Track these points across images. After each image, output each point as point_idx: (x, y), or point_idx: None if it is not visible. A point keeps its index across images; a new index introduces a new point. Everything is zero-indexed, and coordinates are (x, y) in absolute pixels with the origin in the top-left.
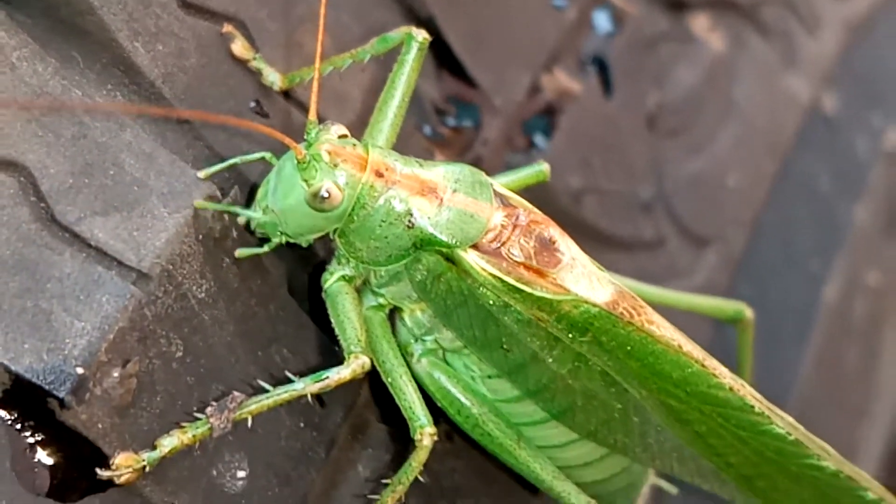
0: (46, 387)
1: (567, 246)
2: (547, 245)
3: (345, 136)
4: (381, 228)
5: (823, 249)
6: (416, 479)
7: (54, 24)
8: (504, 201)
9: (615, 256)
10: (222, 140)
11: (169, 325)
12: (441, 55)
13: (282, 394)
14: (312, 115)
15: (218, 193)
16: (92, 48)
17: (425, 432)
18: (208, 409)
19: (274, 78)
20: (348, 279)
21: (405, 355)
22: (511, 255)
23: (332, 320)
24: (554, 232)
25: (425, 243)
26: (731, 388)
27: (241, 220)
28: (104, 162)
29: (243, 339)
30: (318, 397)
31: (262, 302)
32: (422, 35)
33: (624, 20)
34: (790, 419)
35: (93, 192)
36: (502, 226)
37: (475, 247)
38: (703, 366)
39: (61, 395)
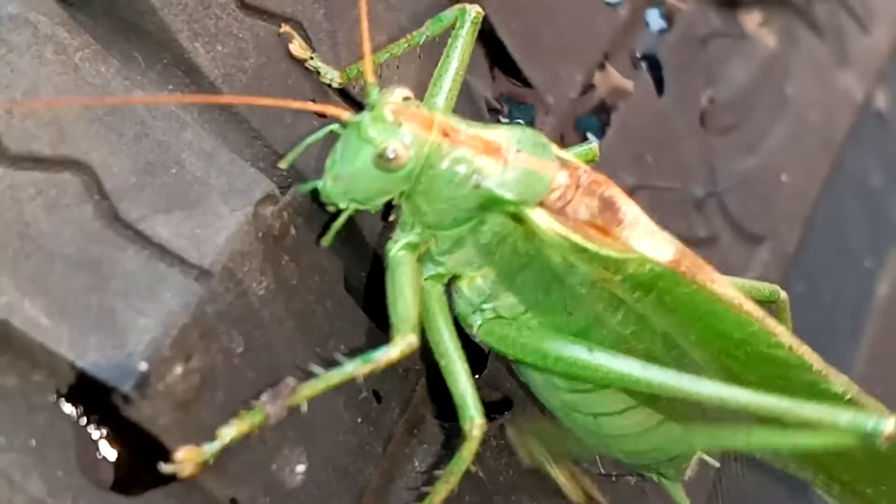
0: (111, 382)
1: (628, 205)
2: (610, 204)
3: (408, 99)
4: (447, 189)
5: (876, 245)
6: (471, 473)
7: (116, 24)
8: (564, 162)
9: None
10: (281, 138)
11: (230, 321)
12: (494, 54)
13: (333, 376)
14: (371, 77)
15: (277, 192)
16: (153, 48)
17: (475, 423)
18: (263, 396)
19: (332, 75)
20: (412, 247)
21: (466, 327)
22: (576, 215)
23: (388, 292)
24: (615, 192)
25: (491, 203)
26: (790, 347)
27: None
28: (166, 161)
29: (302, 335)
30: (374, 393)
31: (320, 299)
32: (475, 10)
33: (676, 17)
34: (846, 378)
35: (155, 191)
36: (566, 185)
37: (542, 205)
38: (763, 325)
39: (125, 390)
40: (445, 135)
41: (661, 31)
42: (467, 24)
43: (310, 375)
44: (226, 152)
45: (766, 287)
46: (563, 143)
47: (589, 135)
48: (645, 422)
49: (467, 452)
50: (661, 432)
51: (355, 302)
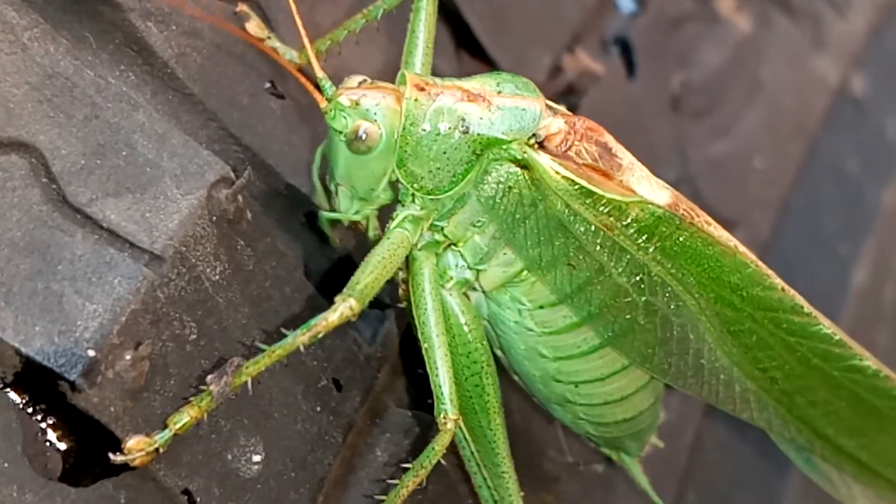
0: (58, 369)
1: (623, 152)
2: (607, 149)
3: (364, 81)
4: (437, 144)
5: (852, 233)
6: (440, 465)
7: (66, 3)
8: (556, 109)
9: None
10: (237, 120)
11: (182, 307)
12: (459, 35)
13: (276, 349)
14: (319, 72)
15: (232, 174)
16: (104, 28)
17: (449, 417)
18: (208, 378)
19: (291, 55)
20: (414, 221)
21: (440, 281)
22: (580, 158)
23: (366, 257)
24: (609, 138)
25: (486, 147)
26: (783, 289)
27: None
28: (116, 143)
29: (258, 322)
30: (334, 381)
31: (278, 284)
32: None
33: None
34: (832, 324)
35: (105, 174)
36: (566, 131)
37: (545, 150)
38: (757, 267)
39: (73, 377)
40: (421, 89)
41: (633, 14)
42: None
43: (257, 354)
44: (179, 134)
45: None
46: None
47: None
48: (625, 388)
49: (439, 446)
50: (637, 401)
51: (315, 288)
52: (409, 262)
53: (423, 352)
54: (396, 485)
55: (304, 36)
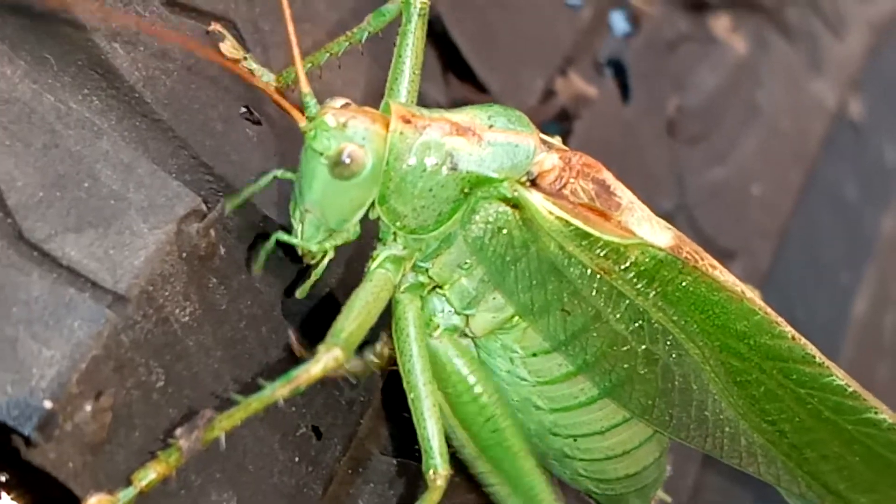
0: (11, 423)
1: (622, 189)
2: (605, 188)
3: (348, 105)
4: (422, 180)
5: (852, 261)
6: None
7: (26, 22)
8: (550, 144)
9: None
10: (210, 147)
11: (149, 352)
12: (447, 57)
13: (252, 402)
14: (306, 87)
15: (203, 206)
16: (66, 49)
17: (439, 473)
18: (177, 431)
19: (269, 77)
20: (396, 261)
21: (427, 330)
22: (575, 198)
23: (347, 302)
24: (607, 175)
25: (475, 185)
26: (793, 338)
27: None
28: (78, 173)
29: (232, 366)
30: (314, 428)
31: (253, 325)
32: (419, 1)
33: (641, 21)
34: (846, 374)
35: (65, 207)
36: (560, 168)
37: (538, 188)
38: (765, 314)
39: (27, 432)
40: (407, 121)
41: (626, 36)
42: (414, 18)
43: (231, 405)
44: (146, 163)
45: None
46: None
47: None
48: (627, 442)
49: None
50: (640, 455)
51: (293, 328)
52: (391, 307)
53: (410, 402)
54: None
55: (294, 44)
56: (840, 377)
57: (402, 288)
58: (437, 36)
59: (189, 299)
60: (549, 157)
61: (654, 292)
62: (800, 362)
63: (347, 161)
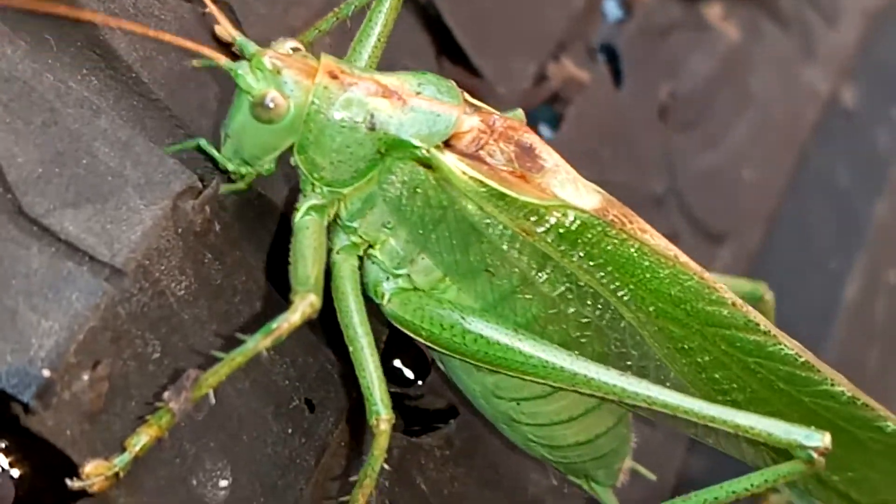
0: (10, 390)
1: (549, 153)
2: (528, 150)
3: (298, 50)
4: (340, 136)
5: (843, 247)
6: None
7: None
8: (476, 108)
9: None
10: (206, 127)
11: (145, 324)
12: (441, 42)
13: (236, 357)
14: (237, 34)
15: (199, 184)
16: (66, 30)
17: (381, 418)
18: (165, 394)
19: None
20: (319, 209)
21: (377, 300)
22: (491, 159)
23: (290, 258)
24: (533, 138)
25: (391, 147)
26: (733, 304)
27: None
28: (76, 150)
29: (226, 340)
30: (307, 401)
31: (247, 300)
32: None
33: (634, 7)
34: (798, 343)
35: (64, 183)
36: (479, 130)
37: (453, 149)
38: (701, 278)
39: (26, 399)
40: (334, 77)
41: (619, 22)
42: None
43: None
44: (143, 141)
45: (747, 286)
46: None
47: (541, 127)
48: (572, 408)
49: (378, 450)
50: (590, 422)
51: (285, 300)
52: (329, 269)
53: (351, 355)
54: (346, 501)
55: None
56: (789, 346)
57: (336, 249)
58: (431, 20)
59: (184, 274)
60: (468, 119)
61: (578, 254)
62: (742, 330)
63: (270, 105)
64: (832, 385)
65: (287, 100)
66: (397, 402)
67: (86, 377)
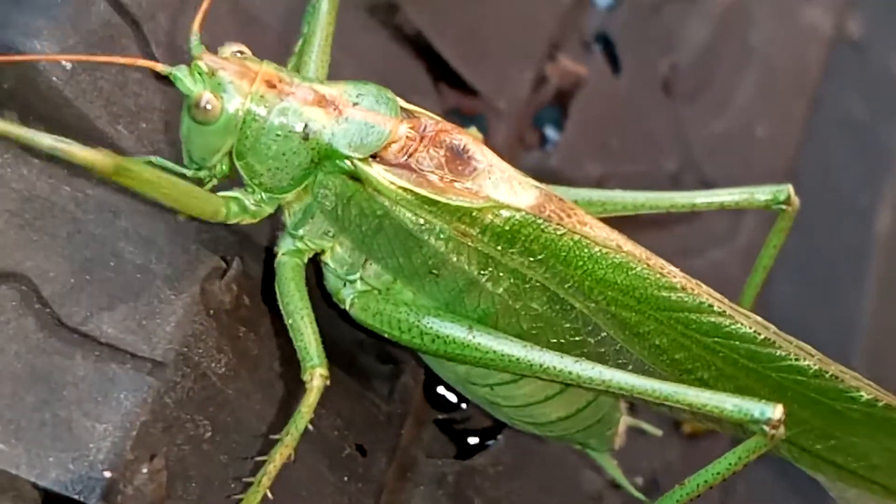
0: (77, 496)
1: (483, 153)
2: (459, 153)
3: (241, 53)
4: (276, 143)
5: (870, 180)
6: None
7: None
8: (410, 115)
9: (652, 235)
10: None
11: (192, 407)
12: (437, 69)
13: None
14: (196, 26)
15: (223, 264)
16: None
17: (316, 372)
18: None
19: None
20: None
21: (340, 305)
22: (420, 166)
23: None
24: (465, 139)
25: (323, 157)
26: (683, 288)
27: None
28: (103, 255)
29: (272, 405)
30: (358, 447)
31: (286, 362)
32: None
33: None
34: (759, 318)
35: (96, 288)
36: (408, 137)
37: (380, 160)
38: (647, 265)
39: (93, 502)
40: (272, 86)
41: (610, 8)
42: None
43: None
44: (164, 232)
45: (766, 190)
46: (523, 143)
47: (547, 129)
48: (546, 388)
49: (306, 407)
50: (567, 399)
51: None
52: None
53: (289, 329)
54: (265, 461)
55: (199, 17)
56: (746, 325)
57: (282, 251)
58: (423, 50)
59: (222, 352)
60: (398, 127)
61: (517, 252)
62: (696, 311)
63: (206, 107)
64: (797, 360)
65: (219, 100)
66: (446, 428)
67: (145, 470)
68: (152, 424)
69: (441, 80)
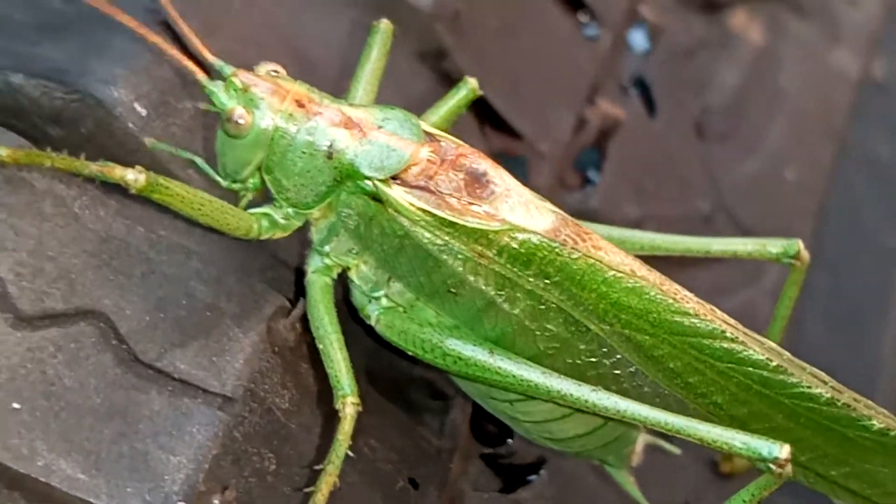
0: None
1: (501, 177)
2: (478, 177)
3: (276, 72)
4: (302, 160)
5: (895, 221)
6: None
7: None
8: (433, 139)
9: (689, 273)
10: (283, 245)
11: (259, 441)
12: (483, 113)
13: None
14: (213, 58)
15: (287, 303)
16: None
17: (347, 401)
18: None
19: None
20: (280, 226)
21: (366, 320)
22: (439, 189)
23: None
24: (485, 164)
25: (346, 176)
26: (696, 314)
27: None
28: (176, 294)
29: (331, 438)
30: (411, 480)
31: None
32: (383, 23)
33: (660, 34)
34: (773, 344)
35: (169, 326)
36: (428, 160)
37: (401, 182)
38: (661, 290)
39: None
40: (301, 105)
41: (647, 52)
42: (380, 34)
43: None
44: (232, 273)
45: (778, 243)
46: (565, 185)
47: (590, 171)
48: (558, 407)
49: (342, 435)
50: (585, 417)
51: (379, 393)
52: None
53: (321, 352)
54: (312, 492)
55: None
56: (759, 352)
57: (311, 270)
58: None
59: (286, 387)
60: (418, 151)
61: (534, 274)
62: (709, 337)
63: (238, 121)
64: (809, 387)
65: (251, 115)
66: (491, 463)
67: (216, 501)
68: (223, 457)
69: (486, 123)
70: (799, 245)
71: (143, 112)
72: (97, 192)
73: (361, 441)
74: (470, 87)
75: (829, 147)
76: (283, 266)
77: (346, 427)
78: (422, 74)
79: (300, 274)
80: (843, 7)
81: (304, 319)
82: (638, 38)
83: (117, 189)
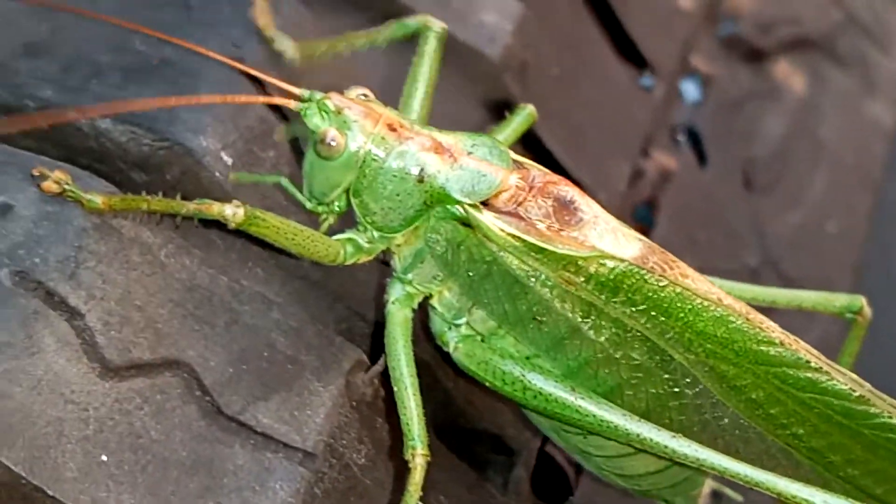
0: None
1: (588, 204)
2: (566, 204)
3: (366, 96)
4: (392, 184)
5: None
6: None
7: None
8: (520, 166)
9: None
10: (358, 295)
11: (337, 497)
12: (545, 162)
13: None
14: (303, 91)
15: (365, 358)
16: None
17: (417, 452)
18: None
19: (287, 46)
20: (365, 250)
21: (444, 347)
22: (528, 215)
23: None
24: (572, 191)
25: (436, 200)
26: (781, 343)
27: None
28: (258, 345)
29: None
30: None
31: None
32: (438, 25)
33: (711, 84)
34: (853, 375)
35: (252, 378)
36: (517, 187)
37: (491, 208)
38: (747, 320)
39: None
40: (393, 129)
41: (697, 102)
42: (431, 41)
43: None
44: (312, 325)
45: (842, 298)
46: None
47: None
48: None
49: (413, 486)
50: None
51: (447, 448)
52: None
53: (395, 394)
54: None
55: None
56: (842, 381)
57: (392, 300)
58: (532, 143)
59: (363, 442)
60: (508, 177)
61: (620, 302)
62: (793, 367)
63: (331, 143)
64: (890, 418)
65: (344, 137)
66: None
67: None
68: None
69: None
70: (862, 301)
71: (230, 161)
72: (182, 241)
73: (432, 496)
74: (528, 112)
75: (867, 200)
76: (358, 317)
77: (416, 478)
78: (487, 123)
79: (378, 327)
80: (879, 58)
81: (382, 374)
82: (690, 89)
83: (199, 234)
